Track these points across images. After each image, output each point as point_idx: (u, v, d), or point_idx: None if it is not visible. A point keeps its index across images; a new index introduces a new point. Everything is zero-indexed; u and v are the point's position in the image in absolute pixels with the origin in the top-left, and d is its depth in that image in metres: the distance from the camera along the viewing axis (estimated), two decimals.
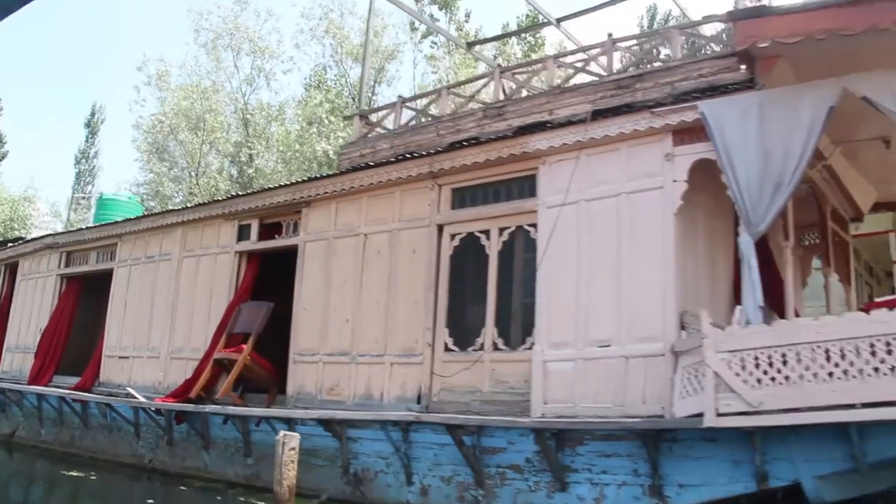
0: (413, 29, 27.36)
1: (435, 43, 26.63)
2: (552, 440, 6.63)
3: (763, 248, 7.79)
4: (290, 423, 8.32)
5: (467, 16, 27.64)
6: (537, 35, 27.15)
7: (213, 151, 26.72)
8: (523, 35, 26.84)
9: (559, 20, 10.31)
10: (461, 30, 27.03)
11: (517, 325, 7.32)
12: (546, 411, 6.82)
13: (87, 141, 37.49)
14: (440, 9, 27.26)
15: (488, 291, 7.53)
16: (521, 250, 7.43)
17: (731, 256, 7.39)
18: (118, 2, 62.69)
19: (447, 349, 7.71)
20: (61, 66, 64.51)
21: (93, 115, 37.61)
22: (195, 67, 27.07)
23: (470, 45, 12.89)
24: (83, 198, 31.82)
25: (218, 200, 10.52)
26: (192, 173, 25.78)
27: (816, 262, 9.51)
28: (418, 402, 7.72)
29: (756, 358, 5.50)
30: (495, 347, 7.39)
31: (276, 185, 11.33)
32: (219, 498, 8.31)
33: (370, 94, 26.96)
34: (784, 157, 6.01)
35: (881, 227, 11.23)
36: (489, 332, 7.45)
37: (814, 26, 5.68)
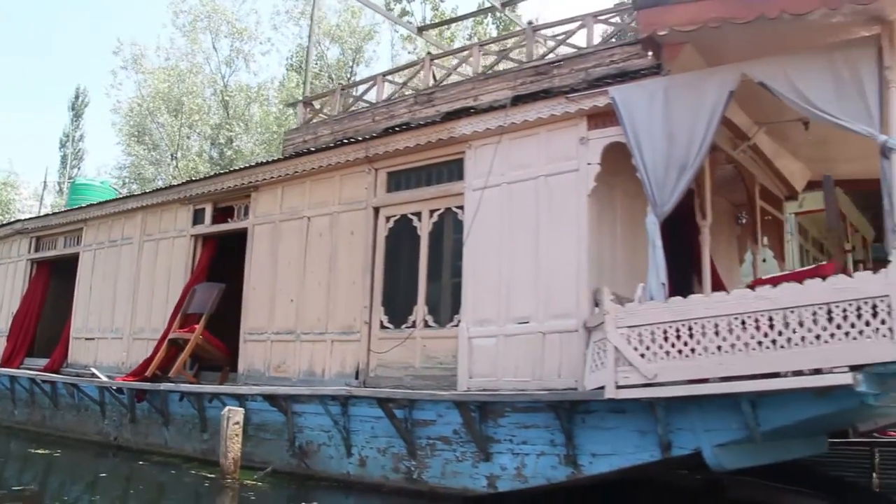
0: (389, 9, 27.23)
1: (411, 22, 26.48)
2: (476, 412, 6.87)
3: (690, 226, 8.01)
4: (241, 400, 8.55)
5: None
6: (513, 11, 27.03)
7: (194, 134, 26.75)
8: (497, 13, 26.75)
9: (503, 4, 10.37)
10: (437, 9, 26.95)
11: (446, 304, 7.51)
12: (471, 385, 7.03)
13: (71, 124, 37.22)
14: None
15: (419, 271, 7.71)
16: (450, 231, 7.60)
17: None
18: None
19: (383, 327, 7.92)
20: (43, 48, 63.76)
21: (77, 97, 37.32)
22: (172, 50, 27.01)
23: (420, 29, 12.88)
24: (61, 183, 31.84)
25: (174, 185, 10.68)
26: (172, 156, 25.84)
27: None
28: (356, 377, 7.95)
29: (652, 333, 5.69)
30: (426, 325, 7.60)
31: (228, 170, 11.46)
32: (173, 472, 8.53)
33: (348, 75, 26.97)
34: (688, 140, 6.14)
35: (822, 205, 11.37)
36: (420, 310, 7.65)
37: (707, 15, 5.79)
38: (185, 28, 26.69)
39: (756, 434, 5.60)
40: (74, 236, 11.89)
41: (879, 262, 14.24)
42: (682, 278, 7.40)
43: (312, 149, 8.73)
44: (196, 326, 9.04)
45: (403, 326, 7.74)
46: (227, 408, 7.87)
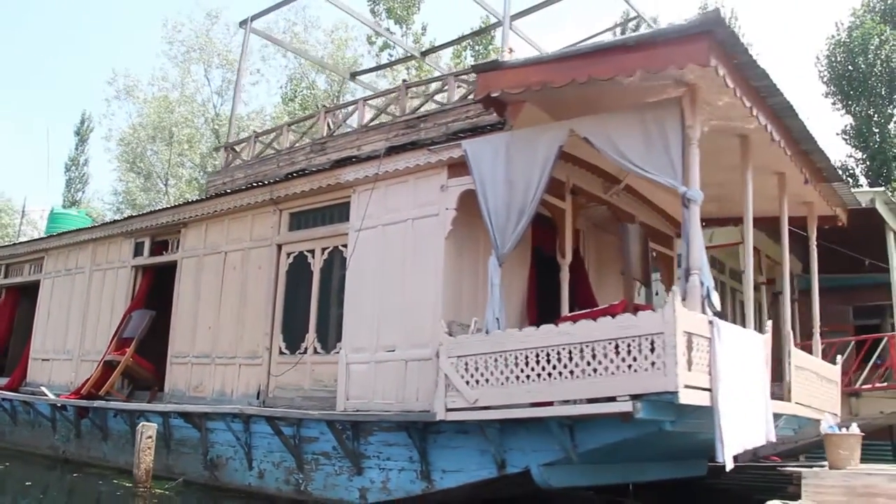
0: (371, 42, 27.98)
1: (391, 55, 27.21)
2: (350, 431, 7.36)
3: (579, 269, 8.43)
4: (164, 416, 9.09)
5: (423, 29, 28.22)
6: (488, 42, 27.73)
7: (186, 161, 27.42)
8: (474, 44, 27.45)
9: (423, 54, 10.93)
10: (418, 42, 27.59)
11: (332, 332, 8.00)
12: (347, 406, 7.50)
13: (76, 149, 37.75)
14: (396, 23, 27.84)
15: (311, 303, 8.22)
16: (337, 268, 8.10)
17: (526, 273, 8.08)
18: (96, 16, 62.99)
19: (280, 352, 8.41)
20: (52, 73, 64.65)
21: (82, 123, 37.51)
22: (164, 81, 27.70)
23: (353, 75, 13.36)
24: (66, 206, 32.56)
25: (118, 220, 11.30)
26: (164, 183, 26.53)
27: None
28: (258, 397, 8.44)
29: (476, 362, 6.16)
30: (315, 351, 8.09)
31: (163, 207, 12.07)
32: (100, 482, 9.03)
33: (334, 99, 27.52)
34: (525, 188, 6.59)
35: (732, 240, 11.72)
36: (311, 337, 8.14)
37: (531, 79, 6.30)
38: (178, 59, 27.44)
39: (573, 455, 6.00)
40: (38, 264, 12.51)
41: (804, 293, 14.53)
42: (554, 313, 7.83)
43: (228, 190, 9.31)
44: (127, 350, 9.60)
45: (297, 352, 8.25)
46: (141, 423, 8.40)
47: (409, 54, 12.64)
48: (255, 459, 8.22)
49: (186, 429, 8.85)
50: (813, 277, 9.07)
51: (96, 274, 11.17)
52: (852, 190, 9.60)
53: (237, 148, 10.06)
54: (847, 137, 32.61)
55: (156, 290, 10.37)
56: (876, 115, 31.37)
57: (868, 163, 31.51)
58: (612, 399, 5.47)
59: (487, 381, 6.04)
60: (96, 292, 11.06)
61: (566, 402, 5.72)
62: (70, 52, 65.04)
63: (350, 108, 8.66)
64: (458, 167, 7.16)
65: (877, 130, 31.33)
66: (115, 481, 8.84)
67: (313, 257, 8.31)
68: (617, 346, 5.48)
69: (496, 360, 6.03)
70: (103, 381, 9.70)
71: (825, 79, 32.77)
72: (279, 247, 8.65)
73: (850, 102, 32.25)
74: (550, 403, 5.79)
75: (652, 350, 5.32)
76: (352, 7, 9.44)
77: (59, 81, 64.26)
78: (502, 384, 5.97)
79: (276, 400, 8.25)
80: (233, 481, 8.41)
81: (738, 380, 5.92)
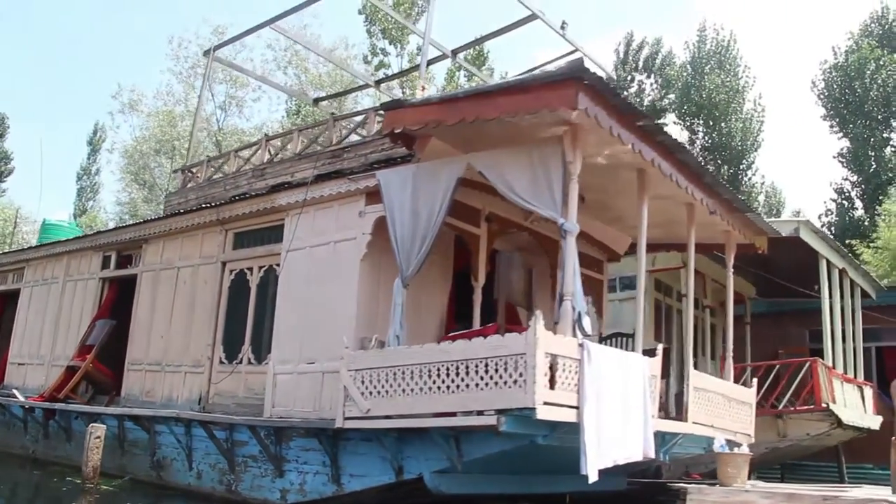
0: (367, 62, 28.80)
1: (387, 74, 27.98)
2: (273, 436, 7.94)
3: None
4: (119, 419, 9.76)
5: (418, 49, 28.90)
6: (482, 63, 28.45)
7: None
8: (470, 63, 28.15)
9: (377, 83, 11.60)
10: (412, 61, 28.34)
11: (264, 344, 8.55)
12: (273, 413, 8.06)
13: (88, 158, 38.88)
14: (390, 43, 28.65)
15: (248, 316, 8.80)
16: (271, 285, 8.67)
17: (447, 294, 8.62)
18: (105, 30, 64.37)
19: (220, 362, 8.99)
20: (66, 83, 66.12)
21: (95, 133, 38.66)
22: (169, 95, 28.66)
23: (316, 100, 14.09)
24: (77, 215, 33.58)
25: (89, 235, 12.04)
26: (165, 196, 27.40)
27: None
28: (199, 403, 9.07)
29: (370, 375, 6.72)
30: (249, 361, 8.66)
31: (128, 223, 12.83)
32: (55, 479, 9.70)
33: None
34: (428, 216, 7.12)
35: (673, 264, 12.17)
36: (246, 349, 8.72)
37: (427, 117, 6.88)
38: (183, 75, 28.40)
39: (458, 464, 6.50)
40: (19, 274, 13.31)
41: (757, 317, 14.85)
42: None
43: (182, 210, 10.01)
44: (87, 356, 10.31)
45: (234, 362, 8.85)
46: (91, 425, 9.05)
47: (363, 83, 13.33)
48: (194, 461, 8.81)
49: (137, 431, 9.49)
50: (728, 302, 9.51)
51: (69, 284, 11.89)
52: (780, 219, 10.09)
53: (194, 170, 10.78)
54: (843, 160, 32.74)
55: (120, 301, 11.05)
56: (872, 139, 31.52)
57: (863, 186, 31.66)
58: (482, 413, 6.01)
59: (379, 392, 6.59)
60: (68, 301, 11.77)
61: (444, 414, 6.28)
62: (77, 62, 66.55)
63: (286, 138, 9.32)
64: (375, 195, 7.68)
65: (872, 154, 31.48)
66: (68, 479, 9.51)
67: (251, 274, 8.92)
68: (487, 365, 6.00)
69: (387, 375, 6.56)
70: (64, 385, 10.39)
71: (822, 102, 33.03)
72: (223, 264, 9.27)
73: (846, 126, 32.43)
74: (454, 414, 6.25)
75: (516, 369, 5.84)
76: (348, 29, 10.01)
77: (64, 91, 65.85)
78: (391, 396, 6.50)
79: (215, 406, 8.84)
80: (176, 481, 8.99)
81: (611, 399, 6.38)
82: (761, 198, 37.12)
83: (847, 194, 32.55)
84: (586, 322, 6.29)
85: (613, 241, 10.23)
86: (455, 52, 12.31)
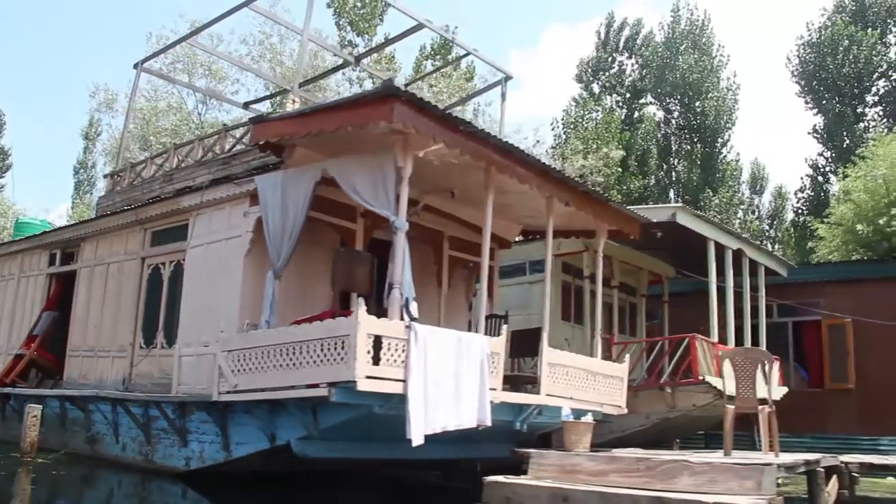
0: (343, 45, 29.74)
1: (355, 68, 28.91)
2: (178, 410, 9.15)
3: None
4: (60, 401, 11.05)
5: (386, 38, 29.65)
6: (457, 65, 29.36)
7: None
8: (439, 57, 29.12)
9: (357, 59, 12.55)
10: (381, 53, 29.25)
11: (173, 331, 9.81)
12: (179, 390, 9.26)
13: (85, 152, 40.07)
14: (358, 35, 29.54)
15: (161, 306, 10.03)
16: (179, 278, 9.87)
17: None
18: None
19: (140, 347, 10.26)
20: (63, 78, 66.90)
21: (91, 126, 39.48)
22: (153, 91, 29.80)
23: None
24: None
25: (37, 235, 13.33)
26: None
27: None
28: (123, 384, 10.34)
29: (239, 355, 7.89)
30: (162, 346, 9.91)
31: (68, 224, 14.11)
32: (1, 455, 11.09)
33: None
34: (293, 216, 8.23)
35: (576, 248, 13.12)
36: (160, 334, 9.98)
37: (284, 130, 7.99)
38: (163, 70, 29.32)
39: (314, 432, 7.64)
40: None
41: (675, 296, 15.84)
42: None
43: (109, 213, 11.25)
44: (33, 344, 11.62)
45: (151, 347, 10.11)
46: (28, 405, 10.36)
47: (280, 89, 14.06)
48: (120, 435, 10.07)
49: (76, 410, 10.79)
50: (597, 284, 10.54)
51: (23, 280, 13.19)
52: (660, 205, 11.02)
53: (121, 175, 11.99)
54: (818, 136, 33.32)
55: (65, 294, 12.32)
56: (845, 115, 32.04)
57: (837, 161, 32.22)
58: (317, 386, 7.14)
59: (245, 370, 7.76)
60: (21, 296, 13.08)
61: (294, 387, 7.41)
62: (69, 56, 67.49)
63: (189, 146, 10.48)
64: (256, 198, 8.84)
65: (845, 129, 32.01)
66: (13, 455, 10.84)
67: (164, 269, 10.12)
68: (322, 345, 7.13)
69: (251, 354, 7.73)
70: (11, 371, 11.72)
71: (796, 79, 33.55)
72: (143, 259, 10.48)
73: (820, 102, 32.97)
74: (304, 388, 7.32)
75: (343, 348, 6.96)
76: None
77: (62, 84, 66.83)
78: (254, 372, 7.68)
79: (136, 386, 10.09)
80: (106, 453, 10.27)
81: (441, 373, 7.46)
82: (745, 174, 37.77)
83: (822, 170, 33.16)
84: (413, 307, 7.35)
85: (503, 231, 11.28)
86: (358, 59, 13.30)
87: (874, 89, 32.26)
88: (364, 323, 6.88)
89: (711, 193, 32.25)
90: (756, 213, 37.83)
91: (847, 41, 31.64)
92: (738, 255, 13.07)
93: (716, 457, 7.79)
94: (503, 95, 12.29)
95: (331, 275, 8.17)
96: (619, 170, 32.40)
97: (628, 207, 10.52)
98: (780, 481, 6.95)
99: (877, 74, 31.93)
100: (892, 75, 32.05)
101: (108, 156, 29.94)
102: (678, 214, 11.33)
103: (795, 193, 33.68)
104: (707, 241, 12.12)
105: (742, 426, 14.06)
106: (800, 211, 33.06)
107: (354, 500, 8.52)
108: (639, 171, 34.86)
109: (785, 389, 13.93)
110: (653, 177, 35.23)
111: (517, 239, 11.78)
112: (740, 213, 35.92)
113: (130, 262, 10.68)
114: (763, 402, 8.52)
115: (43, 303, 12.38)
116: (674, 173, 34.46)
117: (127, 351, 10.35)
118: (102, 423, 10.34)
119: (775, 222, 37.17)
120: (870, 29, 31.59)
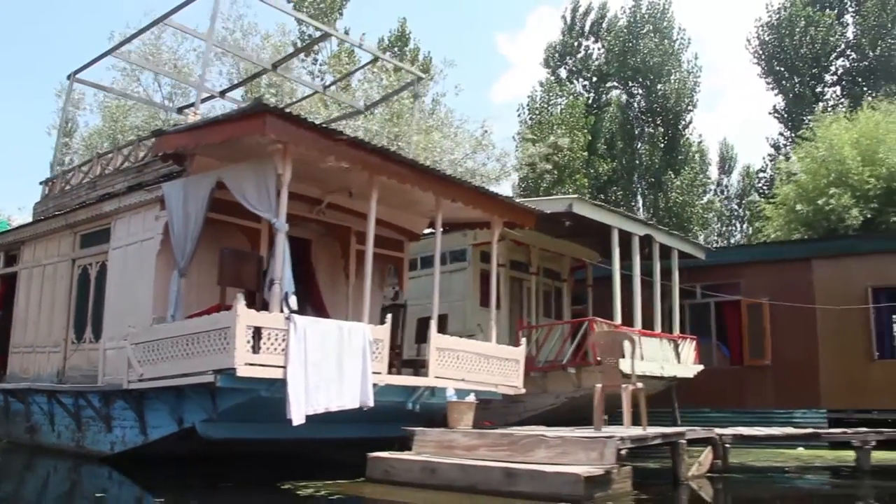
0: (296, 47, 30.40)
1: (316, 60, 29.77)
2: (103, 399, 10.12)
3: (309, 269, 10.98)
4: (4, 394, 12.04)
5: (346, 31, 30.57)
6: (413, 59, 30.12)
7: None
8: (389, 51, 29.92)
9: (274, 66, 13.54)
10: (341, 46, 29.99)
11: (100, 326, 10.77)
12: (104, 381, 10.24)
13: (56, 150, 40.52)
14: (317, 30, 30.09)
15: (89, 304, 10.97)
16: (104, 277, 10.82)
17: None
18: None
19: (72, 342, 11.23)
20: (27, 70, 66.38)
21: (67, 122, 40.29)
22: (116, 87, 30.43)
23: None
24: None
25: None
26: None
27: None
28: (57, 377, 11.32)
29: (144, 347, 8.85)
30: (90, 341, 10.86)
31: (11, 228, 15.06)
32: None
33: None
34: (194, 219, 9.14)
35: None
36: (89, 330, 10.93)
37: (177, 143, 8.92)
38: (128, 69, 30.00)
39: (213, 415, 8.60)
40: None
41: (599, 280, 16.82)
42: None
43: (42, 218, 12.19)
44: None
45: (81, 341, 11.07)
46: None
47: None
48: (56, 424, 11.08)
49: (17, 403, 11.79)
50: (492, 271, 11.48)
51: None
52: (557, 197, 11.89)
53: (54, 182, 12.91)
54: (778, 116, 34.16)
55: (10, 294, 13.27)
56: (804, 95, 32.86)
57: (797, 142, 33.07)
58: (204, 373, 8.09)
59: (150, 360, 8.72)
60: None
61: (190, 374, 8.36)
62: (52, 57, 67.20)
63: (110, 155, 11.41)
64: (165, 203, 9.79)
65: (805, 110, 32.84)
66: None
67: (92, 269, 11.06)
68: (209, 336, 8.08)
69: (154, 346, 8.70)
70: None
71: (757, 60, 34.33)
72: (73, 261, 11.42)
73: (780, 82, 33.76)
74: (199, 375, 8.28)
75: (225, 338, 7.91)
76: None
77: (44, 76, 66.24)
78: (156, 362, 8.65)
79: (69, 378, 11.06)
80: (44, 442, 11.28)
81: (322, 359, 8.36)
82: (714, 155, 38.62)
83: (783, 149, 34.00)
84: (292, 300, 8.29)
85: (411, 224, 12.22)
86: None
87: (832, 69, 33.04)
88: (243, 315, 7.80)
89: (673, 175, 33.09)
90: (724, 193, 38.74)
91: (804, 22, 32.39)
92: (648, 240, 13.95)
93: (568, 431, 8.72)
94: (415, 95, 13.12)
95: (217, 273, 9.08)
96: (586, 154, 33.31)
97: (518, 201, 11.46)
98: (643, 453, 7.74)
99: (834, 55, 32.72)
100: (850, 55, 32.82)
101: (76, 154, 30.72)
102: (574, 205, 12.24)
103: (757, 173, 34.56)
104: (611, 229, 13.02)
105: (662, 402, 15.09)
106: (761, 191, 33.95)
107: (247, 475, 9.45)
108: (608, 155, 35.75)
109: (700, 367, 14.89)
110: (622, 160, 36.10)
111: (426, 231, 12.68)
112: (708, 194, 36.86)
113: (63, 264, 11.62)
114: (627, 378, 9.45)
115: None
116: (637, 156, 35.28)
117: (60, 346, 11.31)
118: (40, 413, 11.33)
119: (743, 202, 38.10)
120: (827, 10, 32.33)
